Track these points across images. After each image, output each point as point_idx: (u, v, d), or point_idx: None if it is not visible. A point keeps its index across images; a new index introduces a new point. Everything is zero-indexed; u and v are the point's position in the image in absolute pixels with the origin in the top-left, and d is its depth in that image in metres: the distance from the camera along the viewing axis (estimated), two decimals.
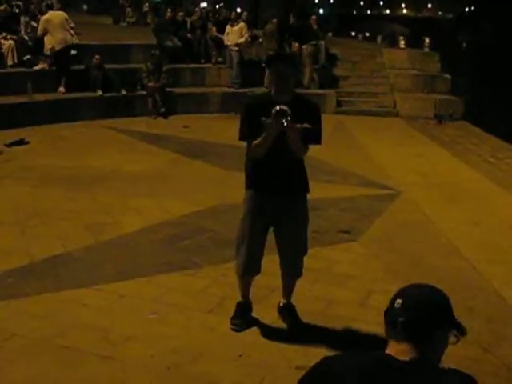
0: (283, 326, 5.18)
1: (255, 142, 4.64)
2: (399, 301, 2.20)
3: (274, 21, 17.45)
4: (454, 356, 4.75)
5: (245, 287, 5.22)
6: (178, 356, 4.70)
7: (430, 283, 2.33)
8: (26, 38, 15.16)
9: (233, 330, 5.09)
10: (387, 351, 2.19)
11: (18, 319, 5.18)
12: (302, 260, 5.11)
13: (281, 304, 5.28)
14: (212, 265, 6.34)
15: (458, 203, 8.88)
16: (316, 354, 4.67)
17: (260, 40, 17.62)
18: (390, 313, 2.21)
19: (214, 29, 17.69)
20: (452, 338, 2.25)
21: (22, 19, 15.80)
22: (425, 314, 2.16)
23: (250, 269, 5.06)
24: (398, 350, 2.16)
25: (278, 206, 4.88)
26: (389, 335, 2.22)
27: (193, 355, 4.72)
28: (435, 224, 7.92)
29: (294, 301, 5.27)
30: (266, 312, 5.36)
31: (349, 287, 5.99)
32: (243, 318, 5.18)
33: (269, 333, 5.08)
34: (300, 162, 4.94)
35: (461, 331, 2.26)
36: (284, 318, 5.22)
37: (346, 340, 5.02)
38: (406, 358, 2.12)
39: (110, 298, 5.61)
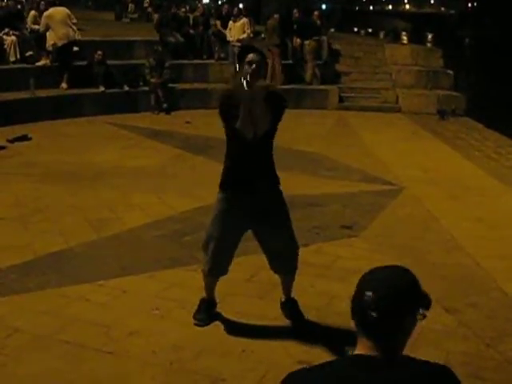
0: (285, 321, 5.18)
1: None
2: (369, 294, 2.09)
3: (276, 16, 17.43)
4: (456, 352, 4.78)
5: (209, 286, 5.22)
6: (180, 351, 4.70)
7: (396, 264, 2.24)
8: (29, 30, 15.23)
9: (196, 325, 5.11)
10: (357, 351, 2.11)
11: (21, 315, 5.19)
12: (296, 254, 5.09)
13: (283, 299, 5.28)
14: None
15: (461, 199, 8.87)
16: (318, 349, 4.69)
17: (262, 35, 17.60)
18: (359, 307, 2.14)
19: (219, 23, 17.69)
20: (419, 316, 2.12)
21: (32, 13, 15.83)
22: (397, 303, 2.06)
23: (215, 270, 5.06)
24: (370, 347, 2.08)
25: (255, 205, 4.83)
26: (359, 331, 2.16)
27: (195, 351, 4.73)
28: (438, 220, 7.92)
29: (296, 296, 5.26)
30: (269, 307, 5.36)
31: (351, 282, 5.91)
32: (207, 313, 5.19)
33: (271, 328, 5.09)
34: (270, 156, 4.89)
35: (427, 306, 2.13)
36: (286, 313, 5.22)
37: (348, 335, 5.01)
38: (379, 354, 2.05)
39: (112, 294, 5.62)
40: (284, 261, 5.06)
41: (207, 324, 5.13)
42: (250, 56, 4.63)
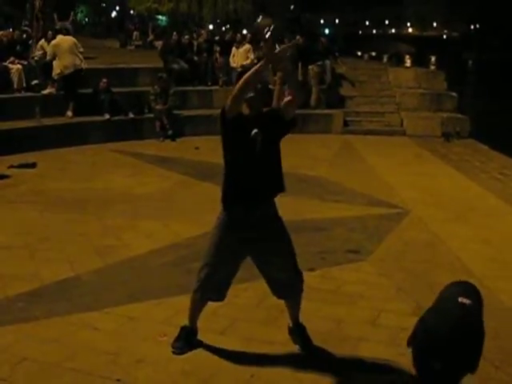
0: (293, 346, 5.16)
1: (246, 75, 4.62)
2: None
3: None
4: None
5: (195, 312, 5.13)
6: (188, 378, 4.69)
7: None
8: (35, 59, 15.37)
9: (173, 352, 5.05)
10: None
11: (28, 343, 5.18)
12: (299, 281, 4.98)
13: (291, 325, 5.26)
14: None
15: (467, 221, 8.87)
16: (327, 374, 4.67)
17: None
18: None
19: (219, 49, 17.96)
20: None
21: (40, 42, 15.98)
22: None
23: (206, 295, 4.95)
24: None
25: (254, 233, 4.74)
26: (421, 378, 2.05)
27: (204, 377, 4.71)
28: (444, 242, 7.91)
29: (303, 321, 5.25)
30: (276, 333, 5.35)
31: (359, 307, 5.98)
32: (186, 341, 5.12)
33: (279, 354, 5.07)
34: (280, 177, 4.83)
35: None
36: (295, 338, 5.20)
37: (357, 360, 5.00)
38: None
39: (119, 321, 5.61)
40: (287, 289, 4.97)
41: (185, 353, 5.04)
42: None
